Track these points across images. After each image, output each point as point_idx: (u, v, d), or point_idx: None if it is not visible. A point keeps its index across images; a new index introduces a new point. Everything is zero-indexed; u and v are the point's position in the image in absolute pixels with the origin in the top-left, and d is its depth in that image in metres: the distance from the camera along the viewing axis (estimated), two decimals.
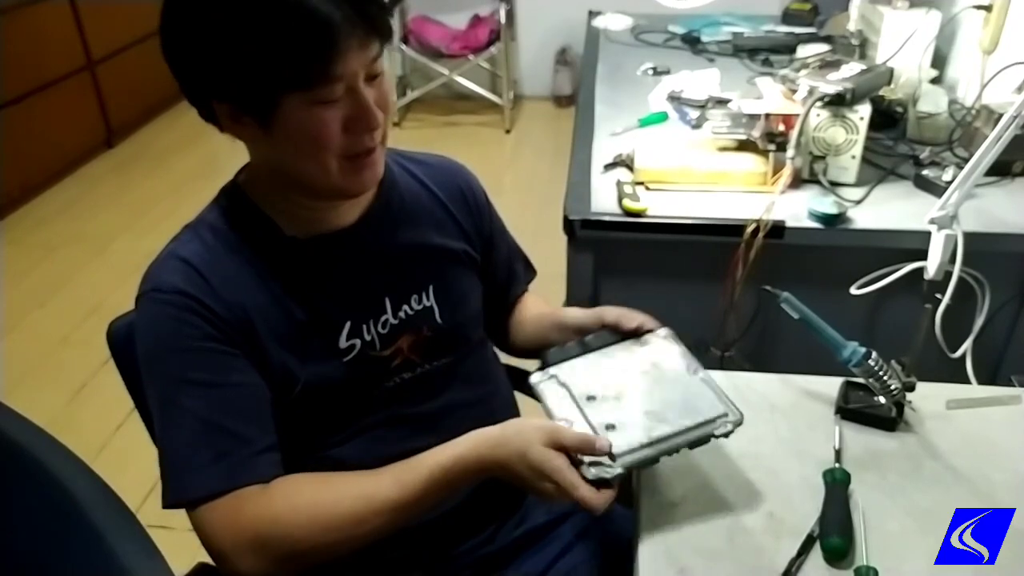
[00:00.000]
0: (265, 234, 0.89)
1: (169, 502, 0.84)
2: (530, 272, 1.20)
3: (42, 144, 3.36)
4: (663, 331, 0.98)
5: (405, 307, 0.96)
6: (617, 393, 0.90)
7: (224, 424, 0.83)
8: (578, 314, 1.05)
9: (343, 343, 0.92)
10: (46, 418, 0.66)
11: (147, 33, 4.00)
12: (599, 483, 0.80)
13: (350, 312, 0.92)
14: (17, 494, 0.65)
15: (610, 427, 0.85)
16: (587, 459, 0.81)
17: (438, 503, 0.85)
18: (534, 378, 0.95)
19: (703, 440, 0.84)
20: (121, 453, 2.03)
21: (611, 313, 1.01)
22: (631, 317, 0.99)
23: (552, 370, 0.95)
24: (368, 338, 0.93)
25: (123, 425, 2.11)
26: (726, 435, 0.84)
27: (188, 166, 3.68)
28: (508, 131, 4.00)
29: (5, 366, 2.37)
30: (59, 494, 0.59)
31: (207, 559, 1.06)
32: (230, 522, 0.81)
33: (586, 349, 0.98)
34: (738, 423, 0.84)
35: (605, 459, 0.81)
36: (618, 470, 0.81)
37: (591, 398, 0.90)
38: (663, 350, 0.96)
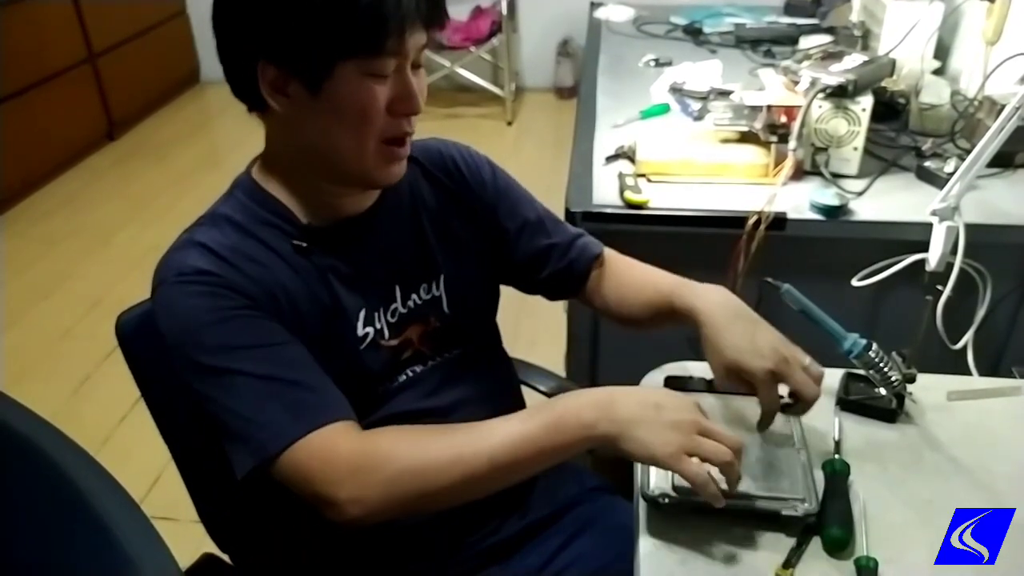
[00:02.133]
0: (283, 224, 0.88)
1: (247, 467, 0.79)
2: (594, 244, 1.08)
3: (44, 137, 3.36)
4: (791, 401, 0.93)
5: (414, 296, 0.96)
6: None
7: (284, 376, 0.80)
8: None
9: (360, 331, 0.91)
10: (49, 411, 0.66)
11: (148, 25, 4.01)
12: (650, 500, 0.84)
13: (364, 300, 0.92)
14: (23, 486, 0.66)
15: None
16: (652, 482, 0.84)
17: (546, 440, 0.78)
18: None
19: (769, 514, 0.83)
20: (125, 445, 2.04)
21: (755, 365, 0.86)
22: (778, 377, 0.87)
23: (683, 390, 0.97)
24: (379, 326, 0.93)
25: (127, 417, 2.12)
26: (792, 518, 0.83)
27: (190, 158, 3.68)
28: (510, 123, 4.00)
29: (8, 359, 2.38)
30: (65, 486, 0.60)
31: (213, 549, 1.07)
32: (325, 458, 0.77)
33: (708, 388, 0.98)
34: (810, 513, 0.83)
35: (669, 489, 0.84)
36: (673, 501, 0.84)
37: None
38: (778, 419, 0.93)
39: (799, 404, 0.89)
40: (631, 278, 1.07)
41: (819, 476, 0.89)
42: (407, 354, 0.96)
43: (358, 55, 0.78)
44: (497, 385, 1.06)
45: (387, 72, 0.80)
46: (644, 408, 0.77)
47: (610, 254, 1.09)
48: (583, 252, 1.07)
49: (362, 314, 0.92)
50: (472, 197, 1.02)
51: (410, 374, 0.96)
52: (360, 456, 0.78)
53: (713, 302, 0.93)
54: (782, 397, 0.90)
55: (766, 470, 0.88)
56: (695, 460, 0.76)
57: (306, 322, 0.86)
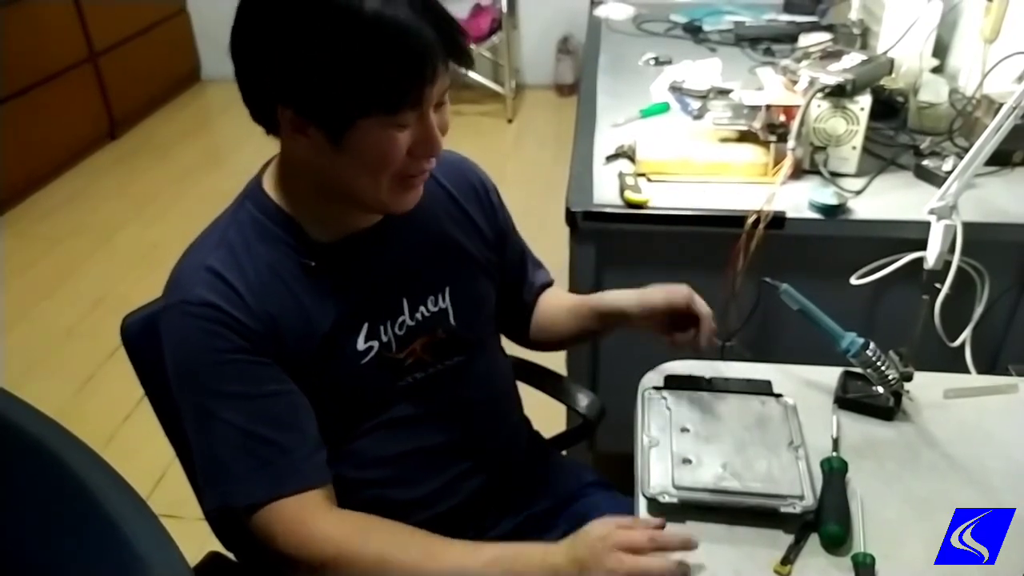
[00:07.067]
0: (292, 239, 0.88)
1: (212, 506, 0.85)
2: (543, 271, 1.19)
3: (45, 136, 3.36)
4: (789, 400, 0.99)
5: (422, 308, 0.96)
6: (710, 435, 0.93)
7: (264, 434, 0.84)
8: (619, 297, 1.06)
9: (361, 345, 0.92)
10: (53, 409, 0.66)
11: (149, 24, 4.01)
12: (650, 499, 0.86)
13: (368, 314, 0.92)
14: (31, 485, 0.66)
15: (687, 461, 0.89)
16: (652, 480, 0.87)
17: None
18: (648, 393, 1.00)
19: (768, 510, 0.85)
20: (130, 443, 2.05)
21: (656, 295, 1.02)
22: (676, 292, 1.01)
23: (667, 392, 1.00)
24: (385, 339, 0.93)
25: (131, 416, 2.13)
26: (791, 515, 0.84)
27: (191, 157, 3.68)
28: (510, 120, 4.00)
29: (11, 358, 2.39)
30: (73, 485, 0.61)
31: (219, 548, 1.08)
32: (295, 529, 0.83)
33: (707, 387, 1.01)
34: (808, 510, 0.84)
35: (670, 487, 0.86)
36: (673, 500, 0.85)
37: (684, 430, 0.94)
38: (776, 416, 0.97)
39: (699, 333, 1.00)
40: (558, 297, 1.17)
41: (817, 473, 0.90)
42: (409, 362, 0.96)
43: (382, 112, 0.78)
44: (496, 390, 1.08)
45: (409, 122, 0.80)
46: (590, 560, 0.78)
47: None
48: (537, 282, 1.16)
49: (364, 328, 0.92)
50: (483, 218, 1.04)
51: (410, 380, 0.96)
52: (328, 549, 0.82)
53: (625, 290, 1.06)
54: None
55: (760, 469, 0.89)
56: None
57: (305, 344, 0.87)
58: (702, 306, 1.01)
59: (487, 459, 1.03)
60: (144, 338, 0.96)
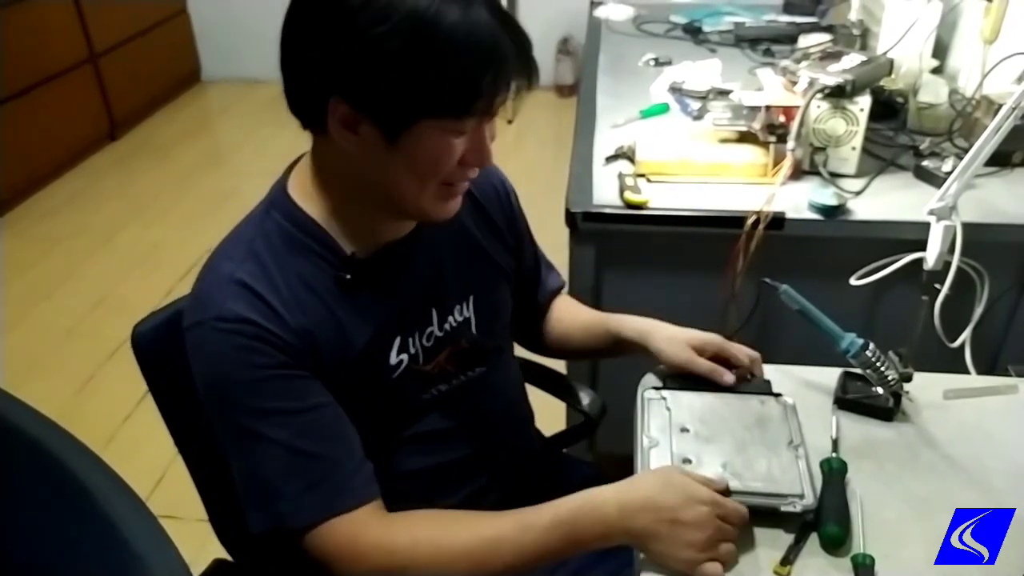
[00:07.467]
0: (325, 252, 0.85)
1: (261, 528, 0.82)
2: (556, 274, 1.17)
3: (46, 137, 3.37)
4: (789, 400, 0.98)
5: (450, 318, 0.95)
6: (710, 435, 0.93)
7: (312, 450, 0.81)
8: (641, 332, 1.04)
9: (393, 359, 0.89)
10: (54, 410, 0.66)
11: (149, 25, 4.01)
12: None
13: (400, 326, 0.90)
14: (31, 486, 0.66)
15: (687, 461, 0.89)
16: None
17: (561, 552, 0.81)
18: (648, 393, 0.99)
19: (768, 509, 0.85)
20: (129, 444, 2.05)
21: (679, 355, 1.00)
22: (704, 349, 1.00)
23: (667, 392, 0.99)
24: (413, 352, 0.91)
25: (131, 416, 2.13)
26: (792, 515, 0.84)
27: (191, 157, 3.69)
28: (510, 121, 4.00)
29: (12, 359, 2.39)
30: (72, 485, 0.61)
31: (218, 547, 1.08)
32: (348, 548, 0.81)
33: (707, 387, 1.00)
34: (808, 509, 0.84)
35: None
36: None
37: (684, 430, 0.94)
38: (776, 416, 0.96)
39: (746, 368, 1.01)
40: (573, 308, 1.17)
41: (816, 472, 0.90)
42: (434, 373, 0.94)
43: (447, 116, 0.75)
44: (512, 398, 1.08)
45: (467, 130, 0.78)
46: (659, 524, 0.78)
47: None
48: (550, 286, 1.15)
49: (397, 342, 0.89)
50: (504, 222, 1.02)
51: (435, 393, 0.95)
52: (380, 556, 0.80)
53: (647, 320, 1.05)
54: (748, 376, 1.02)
55: (760, 469, 0.89)
56: (712, 564, 0.78)
57: (342, 360, 0.85)
58: (739, 352, 1.01)
59: (504, 472, 1.02)
60: (155, 346, 0.95)
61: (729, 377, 0.99)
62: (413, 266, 0.91)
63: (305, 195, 0.85)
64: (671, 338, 1.02)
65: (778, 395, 1.00)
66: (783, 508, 0.84)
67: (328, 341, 0.83)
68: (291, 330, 0.80)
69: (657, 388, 1.01)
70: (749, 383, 1.02)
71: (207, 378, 0.82)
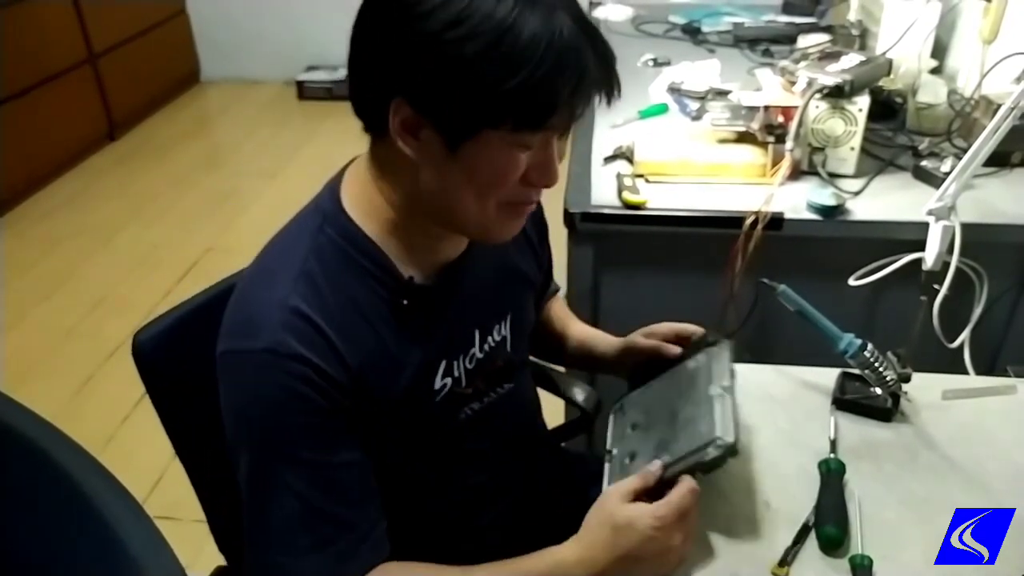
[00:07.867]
0: (382, 275, 0.80)
1: (256, 571, 0.80)
2: (553, 281, 1.16)
3: (44, 137, 3.37)
4: (718, 345, 0.95)
5: (489, 339, 0.92)
6: (649, 422, 0.92)
7: (329, 509, 0.77)
8: (606, 349, 1.09)
9: (437, 383, 0.86)
10: (52, 411, 0.66)
11: (149, 25, 4.02)
12: None
13: (446, 350, 0.87)
14: (26, 488, 0.66)
15: (632, 456, 0.88)
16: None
17: None
18: (615, 407, 1.00)
19: (699, 466, 0.80)
20: (127, 446, 2.05)
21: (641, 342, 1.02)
22: (653, 334, 1.02)
23: (624, 400, 0.99)
24: (456, 375, 0.88)
25: (129, 417, 2.13)
26: (716, 462, 0.80)
27: (190, 158, 3.69)
28: None
29: (10, 359, 2.39)
30: (68, 488, 0.60)
31: (214, 549, 1.08)
32: None
33: (659, 372, 0.98)
34: (727, 448, 0.79)
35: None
36: None
37: (635, 427, 0.93)
38: (703, 367, 0.92)
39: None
40: (563, 312, 1.18)
41: (810, 467, 0.89)
42: (468, 392, 0.91)
43: (517, 127, 0.70)
44: (534, 409, 1.08)
45: (534, 145, 0.73)
46: (627, 563, 0.77)
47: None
48: (552, 288, 1.16)
49: (442, 366, 0.86)
50: (537, 237, 1.01)
51: (469, 412, 0.92)
52: None
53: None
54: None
55: (687, 429, 0.84)
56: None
57: (389, 393, 0.81)
58: (688, 327, 1.02)
59: (520, 477, 1.02)
60: (158, 353, 0.93)
61: (674, 349, 0.99)
62: (463, 288, 0.88)
63: (361, 211, 0.80)
64: (612, 340, 1.07)
65: (712, 343, 0.96)
66: (707, 459, 0.79)
67: (378, 375, 0.80)
68: (345, 367, 0.76)
69: (617, 400, 1.00)
70: (695, 347, 0.98)
71: (243, 409, 0.77)
